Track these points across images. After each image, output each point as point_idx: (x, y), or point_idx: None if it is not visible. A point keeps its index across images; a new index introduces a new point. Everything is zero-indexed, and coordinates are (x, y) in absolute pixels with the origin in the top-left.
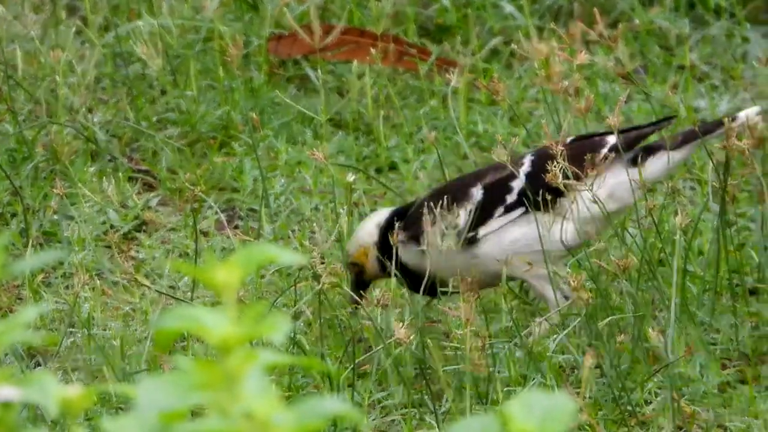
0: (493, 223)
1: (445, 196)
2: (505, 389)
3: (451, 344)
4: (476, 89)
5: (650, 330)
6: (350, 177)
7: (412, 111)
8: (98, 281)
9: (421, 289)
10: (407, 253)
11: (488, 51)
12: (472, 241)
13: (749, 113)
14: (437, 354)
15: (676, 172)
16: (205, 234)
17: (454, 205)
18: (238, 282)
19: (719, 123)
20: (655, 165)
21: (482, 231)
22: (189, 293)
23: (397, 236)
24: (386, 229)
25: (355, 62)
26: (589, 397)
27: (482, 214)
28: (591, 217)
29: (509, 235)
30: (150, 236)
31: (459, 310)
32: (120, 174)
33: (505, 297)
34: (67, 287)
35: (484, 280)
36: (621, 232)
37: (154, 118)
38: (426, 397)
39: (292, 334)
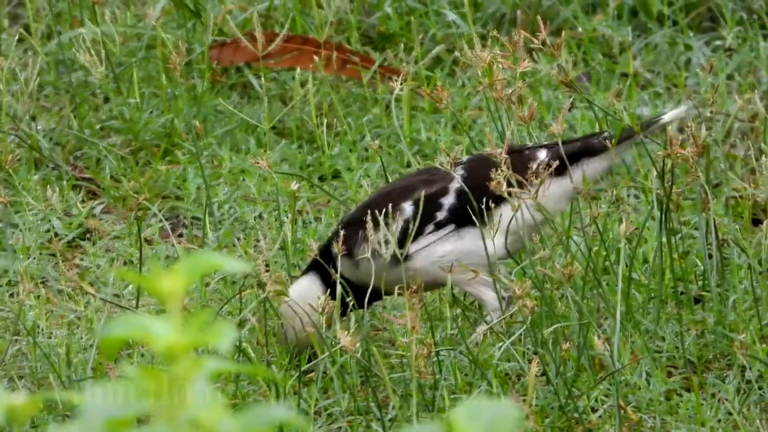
0: (423, 240)
1: (375, 211)
2: (451, 397)
3: (397, 352)
4: (419, 97)
5: (595, 338)
6: (294, 185)
7: (355, 119)
8: (43, 289)
9: (365, 302)
10: (343, 267)
11: (431, 59)
12: (404, 257)
13: (675, 113)
14: (382, 362)
15: (619, 182)
16: (149, 242)
17: (385, 221)
18: (183, 290)
19: (648, 123)
20: (588, 167)
21: (413, 248)
22: (134, 301)
23: (333, 248)
24: (325, 278)
25: (298, 70)
26: (535, 405)
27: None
28: (521, 225)
29: (439, 250)
30: (94, 244)
31: (404, 318)
32: (64, 182)
33: (450, 305)
34: (11, 295)
35: (425, 286)
36: (565, 240)
37: (98, 126)
38: (372, 404)
39: (238, 342)
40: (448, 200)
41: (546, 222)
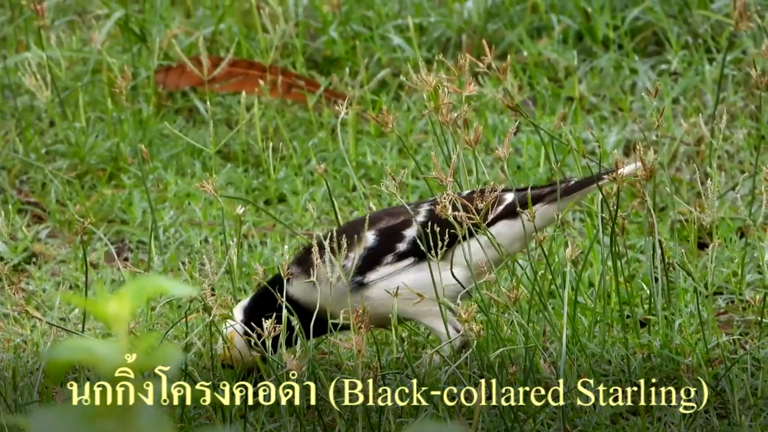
0: (382, 270)
1: (338, 238)
2: (398, 420)
3: (343, 375)
4: (365, 121)
5: (541, 361)
6: (240, 209)
7: (301, 143)
8: None
9: (311, 328)
10: (299, 287)
11: (377, 83)
12: (360, 285)
13: (631, 168)
14: (329, 385)
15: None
16: (95, 266)
17: (345, 246)
18: (129, 314)
19: (605, 172)
20: (537, 213)
21: (371, 276)
22: (80, 325)
23: (288, 269)
24: (252, 307)
25: (243, 94)
26: (482, 429)
27: (372, 260)
28: (477, 263)
29: (398, 281)
30: (40, 268)
31: (350, 342)
32: (9, 206)
33: (396, 329)
34: None
35: (375, 319)
36: (511, 263)
37: (43, 150)
38: (318, 428)
39: (184, 366)
40: (411, 232)
41: (500, 261)
